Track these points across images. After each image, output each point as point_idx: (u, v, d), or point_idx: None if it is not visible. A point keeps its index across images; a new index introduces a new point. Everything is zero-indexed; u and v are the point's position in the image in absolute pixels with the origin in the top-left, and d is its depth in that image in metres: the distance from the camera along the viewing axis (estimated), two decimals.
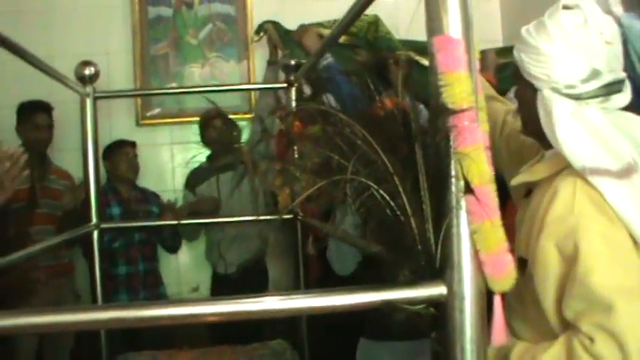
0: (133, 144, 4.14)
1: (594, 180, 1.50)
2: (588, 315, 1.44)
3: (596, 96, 1.59)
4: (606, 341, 1.39)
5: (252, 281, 4.21)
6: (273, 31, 4.19)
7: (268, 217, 3.43)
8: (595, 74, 1.58)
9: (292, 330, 3.18)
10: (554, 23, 1.61)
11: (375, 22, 4.07)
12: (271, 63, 4.27)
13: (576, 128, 1.55)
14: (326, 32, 4.00)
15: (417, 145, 1.10)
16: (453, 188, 1.07)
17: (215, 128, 4.09)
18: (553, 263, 1.53)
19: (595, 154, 1.53)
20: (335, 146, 1.14)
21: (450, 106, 1.05)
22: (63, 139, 4.07)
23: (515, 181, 1.74)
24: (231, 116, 4.31)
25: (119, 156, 4.04)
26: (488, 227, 1.06)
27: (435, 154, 1.09)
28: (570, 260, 1.49)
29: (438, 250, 1.10)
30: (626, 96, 1.63)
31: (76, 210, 3.91)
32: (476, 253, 1.08)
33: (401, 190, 1.10)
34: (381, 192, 1.11)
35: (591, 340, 1.41)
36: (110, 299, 3.85)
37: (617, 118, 1.61)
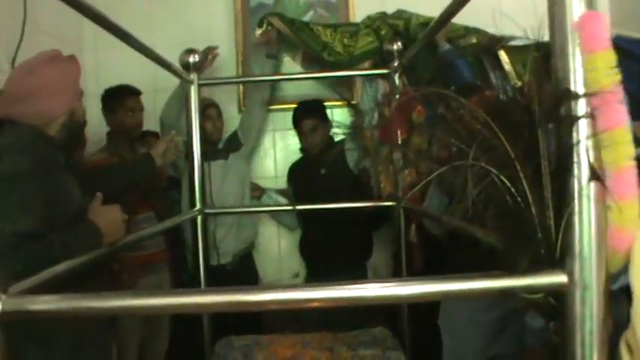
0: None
1: None
2: None
3: None
4: None
5: (244, 274, 4.17)
6: (279, 22, 4.10)
7: (370, 204, 3.43)
8: None
9: (393, 317, 3.18)
10: None
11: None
12: (270, 57, 4.21)
13: None
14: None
15: (541, 130, 1.08)
16: (577, 175, 1.04)
17: (210, 118, 4.05)
18: None
19: None
20: (454, 132, 1.13)
21: (594, 86, 1.03)
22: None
23: None
24: (333, 103, 4.33)
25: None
26: (628, 206, 1.04)
27: (559, 139, 1.06)
28: None
29: (559, 239, 1.08)
30: None
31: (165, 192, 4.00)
32: (601, 239, 1.05)
33: (522, 176, 1.08)
34: (502, 178, 1.09)
35: None
36: None
37: None
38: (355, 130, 3.50)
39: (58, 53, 2.39)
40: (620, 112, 1.03)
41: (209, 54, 4.02)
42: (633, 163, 1.04)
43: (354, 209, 3.45)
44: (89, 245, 2.02)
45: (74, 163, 2.48)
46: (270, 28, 4.12)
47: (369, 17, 4.14)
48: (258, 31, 4.19)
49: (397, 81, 3.06)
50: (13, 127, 2.21)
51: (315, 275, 4.20)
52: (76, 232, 2.08)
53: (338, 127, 4.00)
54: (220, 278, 3.67)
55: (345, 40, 4.08)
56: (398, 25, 3.97)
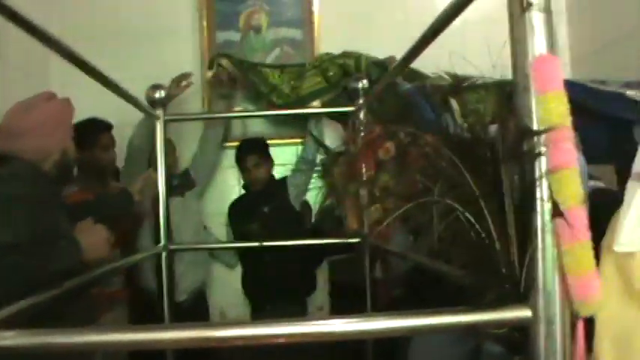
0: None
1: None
2: None
3: None
4: None
5: (199, 312, 4.12)
6: (229, 63, 4.16)
7: (334, 241, 3.44)
8: None
9: (359, 356, 3.18)
10: None
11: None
12: (225, 97, 4.25)
13: None
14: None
15: (504, 167, 1.10)
16: (539, 211, 1.06)
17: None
18: None
19: None
20: (420, 169, 1.15)
21: (545, 125, 1.05)
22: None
23: None
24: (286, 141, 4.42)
25: None
26: (578, 249, 1.05)
27: (522, 176, 1.09)
28: None
29: (523, 274, 1.10)
30: None
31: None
32: (563, 276, 1.07)
33: (486, 212, 1.10)
34: (467, 214, 1.11)
35: None
36: None
37: None
38: (323, 167, 3.54)
39: (53, 95, 2.61)
40: (569, 152, 1.04)
41: (183, 79, 4.02)
42: (582, 205, 1.06)
43: (295, 246, 3.53)
44: (69, 258, 2.17)
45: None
46: (220, 69, 4.15)
47: (315, 58, 4.22)
48: (209, 73, 4.23)
49: (362, 118, 3.09)
50: (11, 161, 2.35)
51: (258, 311, 4.19)
52: (56, 244, 2.18)
53: (305, 163, 4.05)
54: (177, 316, 3.62)
55: (292, 82, 4.15)
56: (348, 65, 4.03)
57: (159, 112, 3.27)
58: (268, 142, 4.31)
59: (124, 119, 3.99)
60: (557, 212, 1.04)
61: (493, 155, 1.11)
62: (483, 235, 1.11)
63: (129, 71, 4.15)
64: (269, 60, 4.50)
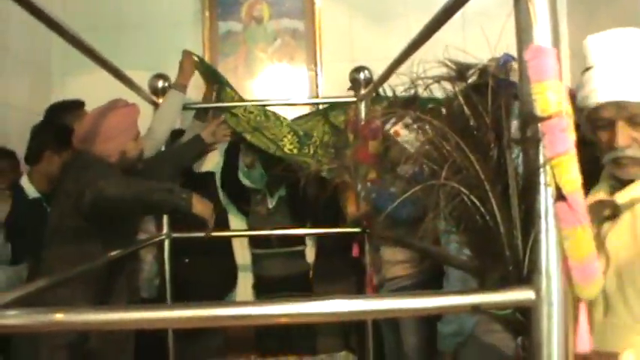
0: None
1: None
2: None
3: None
4: None
5: None
6: (198, 64, 3.90)
7: (335, 230, 3.47)
8: None
9: (358, 342, 3.22)
10: None
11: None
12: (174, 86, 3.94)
13: None
14: None
15: (508, 152, 1.13)
16: (543, 195, 1.09)
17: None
18: None
19: None
20: (426, 153, 1.18)
21: (542, 113, 1.07)
22: None
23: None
24: None
25: None
26: (580, 233, 1.08)
27: (525, 161, 1.11)
28: None
29: (527, 256, 1.12)
30: None
31: None
32: (565, 259, 1.10)
33: (491, 196, 1.13)
34: (472, 198, 1.13)
35: None
36: None
37: None
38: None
39: (122, 103, 3.01)
40: (565, 140, 1.07)
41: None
42: (580, 190, 1.08)
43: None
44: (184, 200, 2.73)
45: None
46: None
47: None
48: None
49: (363, 108, 3.13)
50: (85, 156, 2.91)
51: None
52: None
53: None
54: None
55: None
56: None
57: (161, 101, 3.31)
58: None
59: None
60: (560, 196, 1.07)
61: (499, 140, 1.14)
62: (488, 218, 1.14)
63: (131, 61, 4.17)
64: (270, 50, 4.54)
